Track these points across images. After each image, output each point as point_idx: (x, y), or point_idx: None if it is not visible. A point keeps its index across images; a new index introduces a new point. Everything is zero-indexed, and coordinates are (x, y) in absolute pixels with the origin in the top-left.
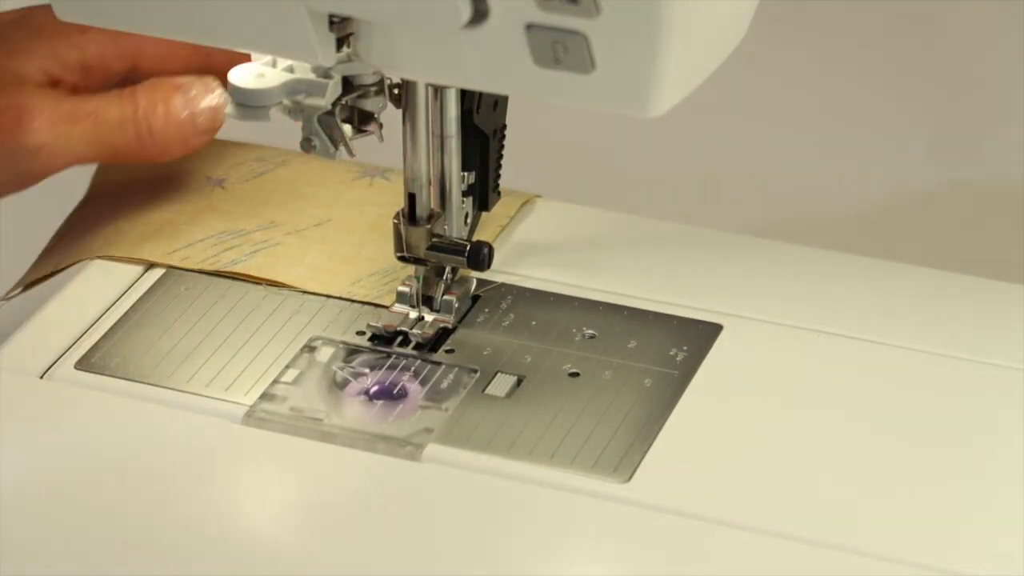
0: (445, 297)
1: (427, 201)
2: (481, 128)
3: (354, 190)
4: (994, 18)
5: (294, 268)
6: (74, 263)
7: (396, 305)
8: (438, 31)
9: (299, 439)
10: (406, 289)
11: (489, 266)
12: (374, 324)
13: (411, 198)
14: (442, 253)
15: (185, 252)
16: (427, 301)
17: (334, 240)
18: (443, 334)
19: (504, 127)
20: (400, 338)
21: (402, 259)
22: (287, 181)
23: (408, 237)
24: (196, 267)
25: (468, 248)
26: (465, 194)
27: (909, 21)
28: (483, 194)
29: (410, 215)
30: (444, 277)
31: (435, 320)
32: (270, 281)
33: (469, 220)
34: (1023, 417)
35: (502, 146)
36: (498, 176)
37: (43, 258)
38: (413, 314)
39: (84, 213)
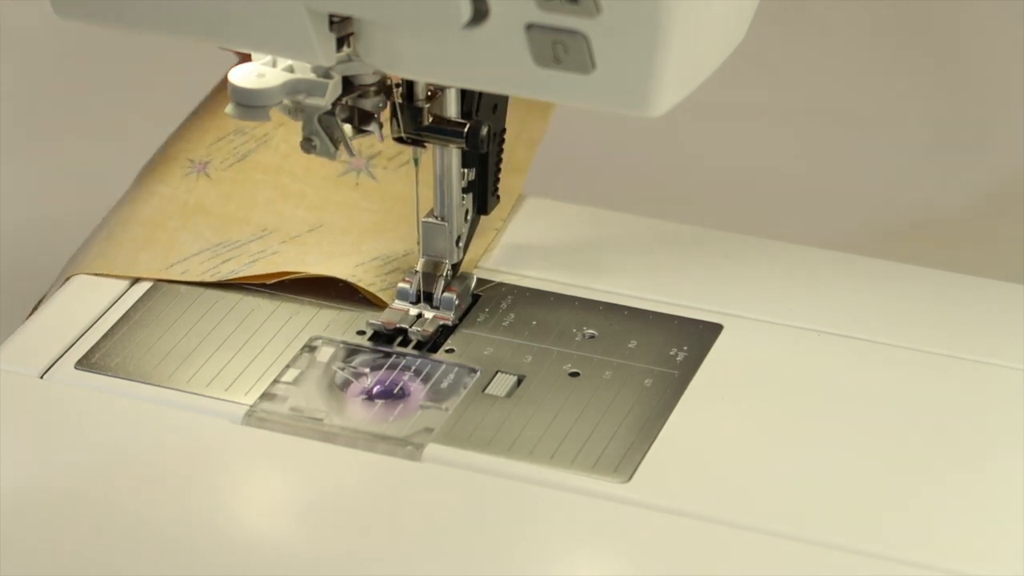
0: (445, 294)
1: (426, 84)
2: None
3: (340, 190)
4: (994, 18)
5: (290, 267)
6: (69, 278)
7: (396, 302)
8: (438, 31)
9: (299, 439)
10: (406, 286)
11: (488, 147)
12: (374, 322)
13: (408, 80)
14: (439, 134)
15: (183, 266)
16: (427, 298)
17: (331, 243)
18: (443, 332)
19: (503, 130)
20: (400, 337)
21: (399, 140)
22: (272, 170)
23: (406, 116)
24: (197, 279)
25: (467, 127)
26: (465, 191)
27: (909, 21)
28: (482, 198)
29: (408, 95)
30: (444, 274)
31: (435, 317)
32: (275, 275)
33: (469, 217)
34: (1023, 417)
35: (501, 149)
36: (497, 180)
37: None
38: (413, 311)
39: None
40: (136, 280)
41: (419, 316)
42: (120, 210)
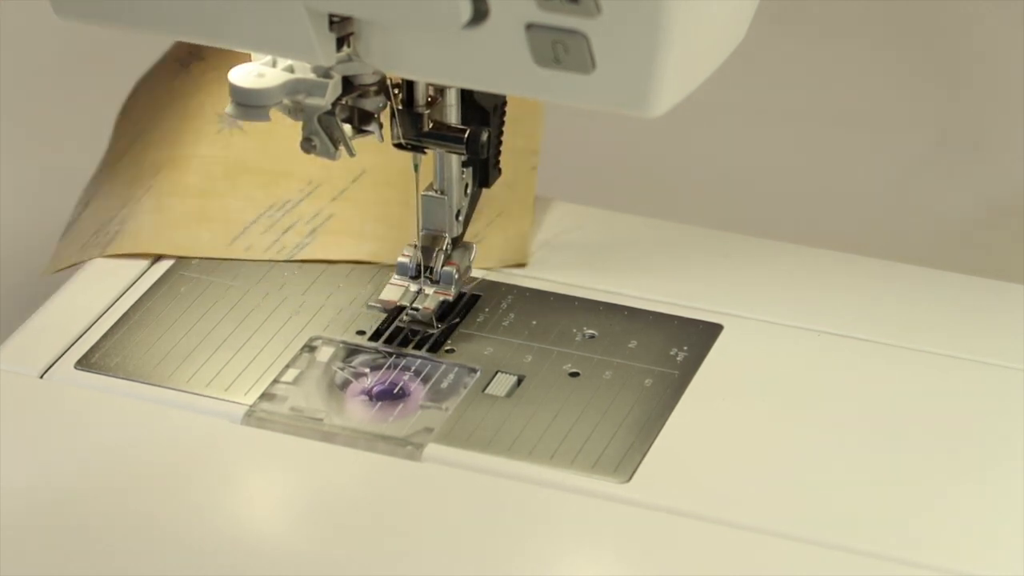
0: (445, 268)
1: (425, 87)
2: (482, 105)
3: None
4: (994, 18)
5: (359, 244)
6: (132, 255)
7: (395, 277)
8: (438, 31)
9: (299, 439)
10: (406, 260)
11: (487, 153)
12: (373, 304)
13: (408, 84)
14: (439, 140)
15: (245, 240)
16: (428, 272)
17: (378, 201)
18: (444, 332)
19: (504, 103)
20: (401, 336)
21: (399, 147)
22: None
23: (405, 122)
24: (266, 258)
25: (467, 133)
26: (465, 165)
27: (909, 21)
28: (484, 170)
29: (408, 101)
30: (443, 247)
31: (435, 293)
32: (350, 261)
33: (469, 192)
34: (1023, 417)
35: (502, 123)
36: (498, 153)
37: (77, 230)
38: (413, 287)
39: (108, 173)
40: (144, 267)
41: (419, 292)
42: (159, 178)
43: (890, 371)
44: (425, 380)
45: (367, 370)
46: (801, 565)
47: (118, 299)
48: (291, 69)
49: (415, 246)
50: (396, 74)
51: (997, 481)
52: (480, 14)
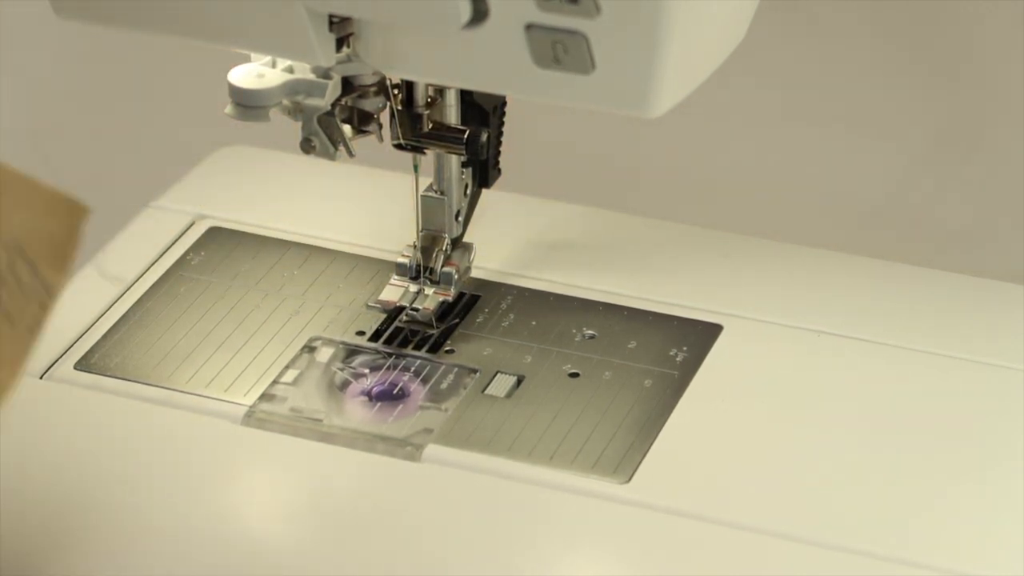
0: (444, 268)
1: (425, 88)
2: (481, 105)
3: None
4: (994, 18)
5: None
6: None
7: (395, 277)
8: (438, 31)
9: (299, 440)
10: (405, 260)
11: (487, 154)
12: (373, 304)
13: (408, 84)
14: (439, 140)
15: None
16: (427, 272)
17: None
18: (444, 332)
19: (504, 103)
20: (401, 337)
21: (398, 147)
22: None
23: (405, 123)
24: None
25: (466, 134)
26: (464, 165)
27: (909, 21)
28: (483, 171)
29: (407, 101)
30: (443, 248)
31: (435, 293)
32: None
33: (468, 192)
34: (1023, 417)
35: (502, 123)
36: (498, 153)
37: None
38: (413, 288)
39: None
40: (144, 267)
41: (419, 292)
42: None
43: (890, 371)
44: (425, 381)
45: (367, 371)
46: (801, 565)
47: (118, 299)
48: (291, 69)
49: (415, 246)
50: (396, 74)
51: (997, 481)
52: (480, 14)
